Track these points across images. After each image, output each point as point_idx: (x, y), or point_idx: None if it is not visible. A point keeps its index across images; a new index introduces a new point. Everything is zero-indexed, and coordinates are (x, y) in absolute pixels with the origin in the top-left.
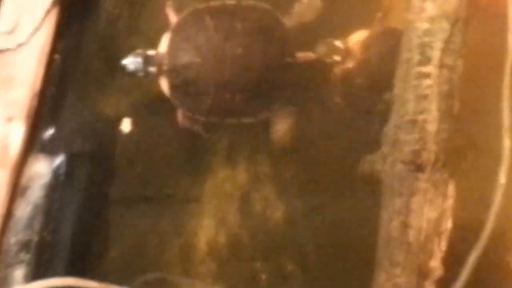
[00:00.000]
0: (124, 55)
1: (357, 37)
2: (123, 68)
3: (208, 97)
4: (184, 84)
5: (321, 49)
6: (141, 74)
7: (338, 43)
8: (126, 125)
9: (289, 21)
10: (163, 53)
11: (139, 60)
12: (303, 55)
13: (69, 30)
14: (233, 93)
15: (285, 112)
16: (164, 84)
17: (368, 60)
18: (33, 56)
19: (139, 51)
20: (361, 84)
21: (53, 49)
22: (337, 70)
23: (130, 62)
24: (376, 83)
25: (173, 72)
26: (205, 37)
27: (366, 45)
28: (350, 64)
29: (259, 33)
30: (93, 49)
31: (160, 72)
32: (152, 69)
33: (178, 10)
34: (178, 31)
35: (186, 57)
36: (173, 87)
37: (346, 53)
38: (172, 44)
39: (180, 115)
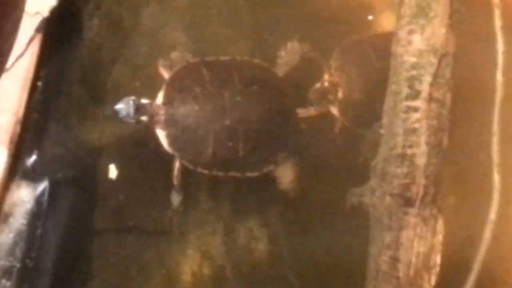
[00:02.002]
0: (107, 84)
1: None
2: (115, 112)
3: (208, 145)
4: (183, 134)
5: (314, 96)
6: (132, 121)
7: (325, 82)
8: (112, 172)
9: (280, 72)
10: (158, 104)
11: (131, 107)
12: (303, 112)
13: (52, 57)
14: (235, 141)
15: (289, 163)
16: (161, 136)
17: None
18: (16, 83)
19: (132, 98)
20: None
21: (36, 76)
22: (334, 111)
23: (122, 108)
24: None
25: (170, 121)
26: (202, 86)
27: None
28: (340, 93)
29: (256, 84)
30: (76, 76)
31: (154, 122)
32: (144, 118)
33: (170, 67)
34: (173, 83)
35: (183, 106)
36: (171, 137)
37: (334, 85)
38: (167, 95)
39: (176, 169)
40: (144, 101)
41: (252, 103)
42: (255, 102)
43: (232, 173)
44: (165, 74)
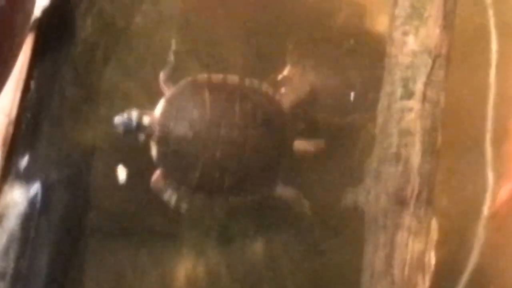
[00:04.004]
0: (101, 84)
1: None
2: (114, 126)
3: (195, 172)
4: (173, 155)
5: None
6: (129, 137)
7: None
8: (121, 173)
9: (287, 100)
10: (155, 120)
11: (132, 123)
12: (301, 145)
13: (45, 58)
14: (222, 173)
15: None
16: (153, 150)
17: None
18: (8, 84)
19: (134, 114)
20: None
21: (29, 76)
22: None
23: (120, 124)
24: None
25: (163, 140)
26: (201, 113)
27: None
28: None
29: (257, 119)
30: (69, 77)
31: (149, 138)
32: (142, 136)
33: (172, 80)
34: (173, 100)
35: (178, 129)
36: (161, 154)
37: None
38: (165, 112)
39: (157, 176)
40: (146, 119)
41: (248, 139)
42: (251, 138)
43: (216, 198)
44: (166, 90)
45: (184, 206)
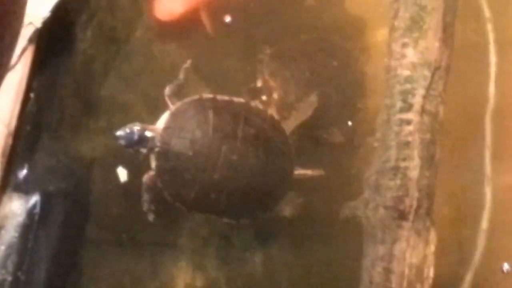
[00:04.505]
0: (100, 96)
1: None
2: (115, 138)
3: (191, 191)
4: (171, 171)
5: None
6: (130, 150)
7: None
8: (122, 175)
9: (289, 126)
10: (158, 134)
11: (134, 136)
12: (301, 173)
13: (45, 68)
14: (218, 195)
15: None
16: (153, 163)
17: None
18: (8, 95)
19: (137, 127)
20: None
21: (29, 88)
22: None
23: (124, 136)
24: None
25: (163, 156)
26: (203, 133)
27: None
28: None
29: (258, 145)
30: (69, 88)
31: (150, 151)
32: (144, 150)
33: (177, 96)
34: (177, 117)
35: (179, 147)
36: (160, 169)
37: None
38: (168, 128)
39: (149, 177)
40: (148, 133)
41: (247, 165)
42: (250, 164)
43: (210, 217)
44: (171, 104)
45: (151, 216)
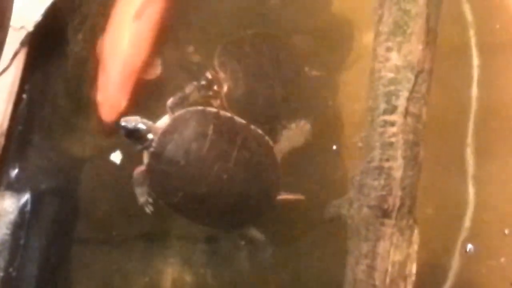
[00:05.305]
0: (91, 97)
1: None
2: (117, 125)
3: (174, 197)
4: (160, 174)
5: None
6: (128, 142)
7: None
8: (117, 156)
9: (280, 149)
10: (156, 134)
11: (135, 133)
12: (284, 196)
13: (37, 70)
14: (200, 206)
15: None
16: (145, 159)
17: None
18: (1, 96)
19: (142, 125)
20: None
21: (21, 90)
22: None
23: (125, 127)
24: None
25: (155, 157)
26: (199, 147)
27: None
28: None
29: (250, 170)
30: (61, 90)
31: (146, 148)
32: (140, 147)
33: (179, 107)
34: (178, 123)
35: (173, 154)
36: (150, 168)
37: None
38: (167, 132)
39: (140, 171)
40: (149, 134)
41: (235, 187)
42: (238, 186)
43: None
44: (171, 113)
45: (150, 208)
